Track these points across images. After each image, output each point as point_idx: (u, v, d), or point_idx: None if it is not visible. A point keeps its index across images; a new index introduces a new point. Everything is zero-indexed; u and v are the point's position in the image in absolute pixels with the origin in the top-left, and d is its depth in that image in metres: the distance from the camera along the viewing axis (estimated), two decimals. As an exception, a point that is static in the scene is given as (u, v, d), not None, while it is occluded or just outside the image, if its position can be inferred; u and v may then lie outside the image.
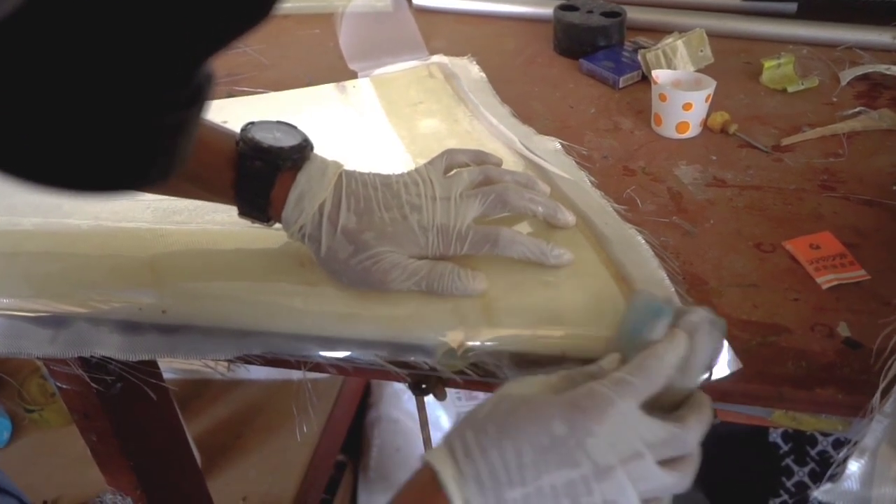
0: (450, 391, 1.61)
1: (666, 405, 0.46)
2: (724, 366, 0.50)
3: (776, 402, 0.52)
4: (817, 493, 0.48)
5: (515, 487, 0.41)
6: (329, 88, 0.86)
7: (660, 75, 0.78)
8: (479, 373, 0.53)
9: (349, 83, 0.86)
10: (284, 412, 1.51)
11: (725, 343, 0.50)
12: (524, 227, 0.60)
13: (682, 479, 0.44)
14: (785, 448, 1.42)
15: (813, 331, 0.54)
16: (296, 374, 1.59)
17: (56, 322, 0.59)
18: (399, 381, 0.59)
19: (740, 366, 0.50)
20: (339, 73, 0.92)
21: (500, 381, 0.53)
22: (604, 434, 0.42)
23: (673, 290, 0.54)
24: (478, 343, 0.52)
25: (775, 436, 1.43)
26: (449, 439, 0.43)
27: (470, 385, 0.59)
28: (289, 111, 0.83)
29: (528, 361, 0.51)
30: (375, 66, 0.91)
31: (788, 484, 1.41)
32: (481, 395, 1.55)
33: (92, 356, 0.59)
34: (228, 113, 0.83)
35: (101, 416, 0.77)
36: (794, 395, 0.51)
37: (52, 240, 0.63)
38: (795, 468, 1.40)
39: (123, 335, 0.57)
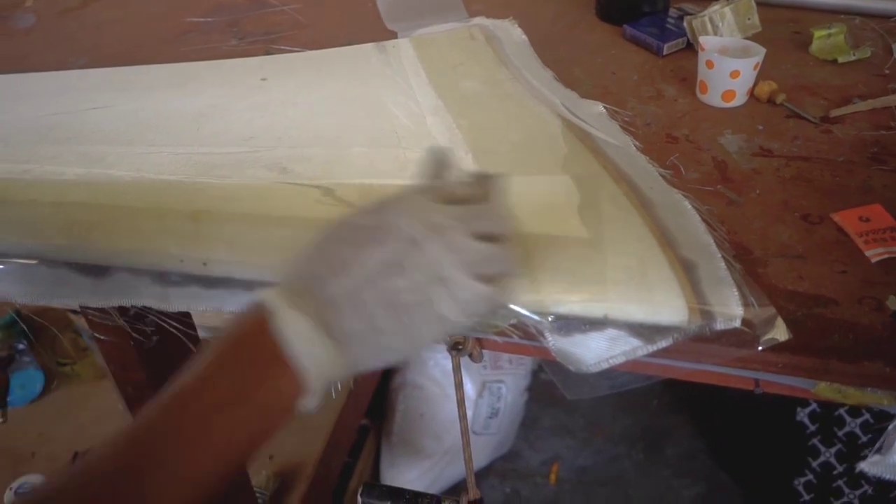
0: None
1: None
2: (773, 334, 0.49)
3: (821, 374, 0.51)
4: (864, 464, 0.47)
5: (337, 280, 0.43)
6: (368, 48, 0.85)
7: (707, 42, 0.76)
8: (518, 334, 0.52)
9: (389, 43, 0.85)
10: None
11: (774, 311, 0.49)
12: (564, 183, 0.58)
13: (501, 249, 0.45)
14: (812, 428, 1.40)
15: (861, 304, 0.53)
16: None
17: (98, 271, 0.59)
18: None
19: (789, 335, 0.49)
20: (377, 33, 0.91)
21: (540, 345, 0.53)
22: (405, 212, 0.44)
23: (720, 255, 0.53)
24: (519, 305, 0.51)
25: (802, 415, 1.42)
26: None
27: (508, 348, 0.59)
28: (327, 70, 0.82)
29: (570, 323, 0.50)
30: (414, 27, 0.90)
31: (814, 464, 1.40)
32: (506, 365, 1.54)
33: (132, 306, 0.59)
34: (267, 70, 0.83)
35: (138, 368, 0.77)
36: (840, 367, 0.50)
37: (96, 190, 0.63)
38: (822, 448, 1.39)
39: (164, 286, 0.58)
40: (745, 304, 0.49)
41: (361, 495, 0.77)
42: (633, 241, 0.53)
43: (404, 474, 1.58)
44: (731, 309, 0.49)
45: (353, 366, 0.44)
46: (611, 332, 0.50)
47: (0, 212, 0.63)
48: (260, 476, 1.25)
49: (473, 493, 0.74)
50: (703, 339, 0.50)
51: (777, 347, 0.50)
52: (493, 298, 0.45)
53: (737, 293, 0.50)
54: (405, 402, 1.61)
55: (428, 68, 0.79)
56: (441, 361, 1.59)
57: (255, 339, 0.43)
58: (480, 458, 1.66)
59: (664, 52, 0.85)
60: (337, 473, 1.49)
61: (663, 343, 0.49)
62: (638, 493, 1.68)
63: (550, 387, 1.91)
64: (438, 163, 0.51)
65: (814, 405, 1.41)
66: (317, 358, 0.43)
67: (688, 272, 0.51)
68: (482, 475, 1.68)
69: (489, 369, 1.58)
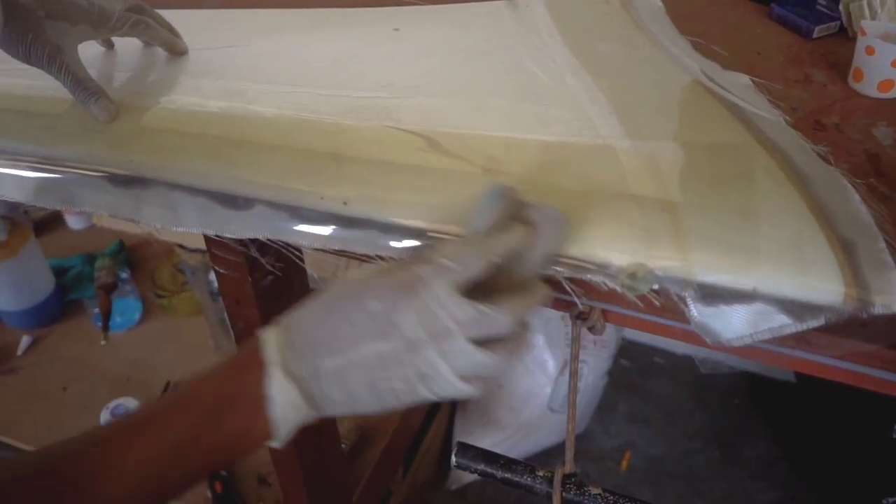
0: (558, 337, 1.60)
1: (504, 292, 0.48)
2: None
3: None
4: None
5: (330, 357, 0.46)
6: (500, 5, 0.84)
7: (869, 27, 0.72)
8: (660, 300, 0.51)
9: (521, 0, 0.84)
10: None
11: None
12: (714, 151, 0.57)
13: (496, 359, 0.46)
14: (908, 445, 1.34)
15: None
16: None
17: (237, 203, 0.60)
18: (562, 309, 0.58)
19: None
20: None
21: (677, 325, 0.52)
22: (413, 311, 0.45)
23: (882, 237, 0.50)
24: (662, 271, 0.50)
25: (900, 432, 1.36)
26: (282, 319, 0.49)
27: (633, 322, 0.57)
28: (460, 24, 0.81)
29: (715, 293, 0.49)
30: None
31: (907, 483, 1.34)
32: (590, 346, 1.51)
33: (269, 240, 0.60)
34: (399, 20, 0.83)
35: (251, 304, 0.79)
36: None
37: (238, 125, 0.64)
38: (918, 468, 1.33)
39: (303, 223, 0.58)
40: (908, 292, 0.47)
41: (456, 455, 0.78)
42: (789, 215, 0.51)
43: (477, 443, 1.58)
44: (892, 294, 0.46)
45: (322, 417, 0.50)
46: (758, 306, 0.48)
47: (145, 139, 0.65)
48: (342, 426, 1.28)
49: (570, 466, 0.74)
50: (849, 334, 0.48)
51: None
52: (472, 393, 0.47)
53: (899, 278, 0.47)
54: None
55: (562, 28, 0.77)
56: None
57: (242, 384, 0.48)
58: (553, 436, 1.66)
59: (814, 35, 0.81)
60: (413, 434, 1.51)
61: (814, 322, 0.47)
62: (710, 491, 1.65)
63: (630, 373, 1.89)
64: (499, 196, 0.50)
65: (913, 422, 1.35)
66: (292, 419, 0.48)
67: (846, 252, 0.48)
68: (553, 453, 1.68)
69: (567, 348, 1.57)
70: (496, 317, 0.46)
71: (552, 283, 0.53)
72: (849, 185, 0.55)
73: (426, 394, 0.47)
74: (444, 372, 0.46)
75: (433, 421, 1.62)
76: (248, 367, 0.48)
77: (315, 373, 0.47)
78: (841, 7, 0.80)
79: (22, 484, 0.45)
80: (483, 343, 0.46)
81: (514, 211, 0.50)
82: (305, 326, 0.48)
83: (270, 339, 0.48)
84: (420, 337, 0.45)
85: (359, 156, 0.60)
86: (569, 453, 0.74)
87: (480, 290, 0.47)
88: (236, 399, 0.48)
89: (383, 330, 0.46)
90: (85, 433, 0.47)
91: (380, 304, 0.46)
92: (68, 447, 0.47)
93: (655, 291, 0.50)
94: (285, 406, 0.47)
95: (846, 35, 0.81)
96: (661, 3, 0.84)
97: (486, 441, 1.58)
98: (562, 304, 0.56)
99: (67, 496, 0.45)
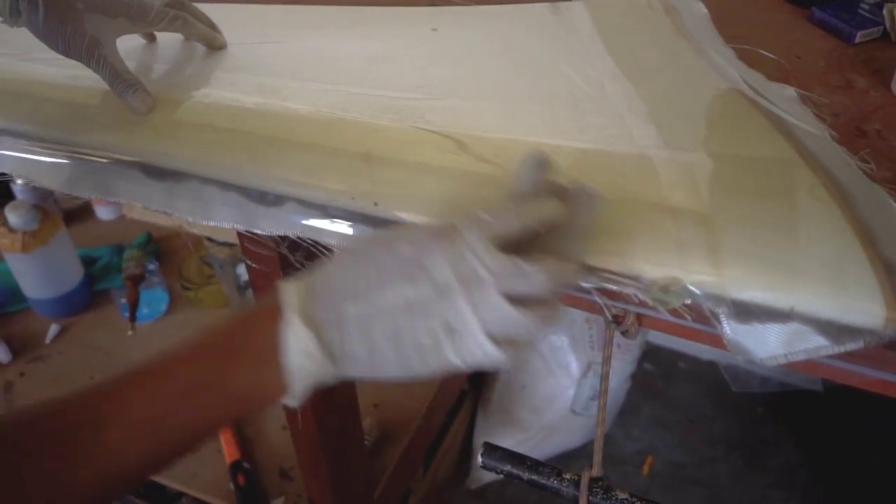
0: (582, 339, 1.59)
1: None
2: None
3: None
4: None
5: (354, 302, 0.44)
6: (542, 8, 0.83)
7: (914, 33, 0.70)
8: (692, 315, 0.50)
9: (563, 5, 0.83)
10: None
11: None
12: (754, 165, 0.55)
13: (529, 319, 0.43)
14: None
15: None
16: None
17: (268, 200, 0.61)
18: (595, 312, 0.57)
19: None
20: (547, -6, 0.88)
21: (708, 329, 0.51)
22: (445, 255, 0.43)
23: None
24: (695, 287, 0.49)
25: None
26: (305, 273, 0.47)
27: (668, 327, 0.57)
28: (499, 27, 0.81)
29: (749, 311, 0.48)
30: (586, -8, 0.87)
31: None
32: (615, 349, 1.50)
33: (299, 238, 0.60)
34: (437, 21, 0.83)
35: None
36: None
37: (272, 122, 0.64)
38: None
39: (333, 223, 0.58)
40: (952, 317, 0.46)
41: (483, 456, 0.77)
42: (830, 234, 0.49)
43: (498, 444, 1.58)
44: (935, 320, 0.45)
45: (341, 378, 0.46)
46: (794, 325, 0.47)
47: (180, 133, 0.65)
48: (365, 422, 1.28)
49: (597, 469, 0.73)
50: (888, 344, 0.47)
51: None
52: (500, 360, 0.44)
53: (943, 304, 0.46)
54: (508, 373, 1.61)
55: (604, 34, 0.76)
56: (549, 336, 1.57)
57: (257, 332, 0.46)
58: (575, 438, 1.65)
59: (856, 40, 0.79)
60: (434, 433, 1.51)
61: (852, 345, 0.46)
62: (732, 499, 1.63)
63: (653, 377, 1.87)
64: (538, 165, 0.49)
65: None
66: (308, 370, 0.45)
67: (889, 274, 0.47)
68: (574, 455, 1.67)
69: (596, 350, 1.56)
70: (532, 272, 0.43)
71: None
72: (895, 204, 0.54)
73: (451, 355, 0.43)
74: (473, 325, 0.43)
75: (454, 420, 1.62)
76: (264, 316, 0.46)
77: (336, 319, 0.44)
78: (885, 12, 0.79)
79: (23, 428, 0.43)
80: (516, 303, 0.43)
81: (550, 185, 0.48)
82: (329, 273, 0.46)
83: (290, 286, 0.46)
84: (450, 282, 0.42)
85: (391, 156, 0.59)
86: (597, 457, 0.73)
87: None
88: (248, 347, 0.45)
89: (412, 273, 0.43)
90: (96, 382, 0.45)
91: (411, 248, 0.44)
92: (73, 395, 0.45)
93: (688, 306, 0.50)
94: (301, 355, 0.44)
95: (889, 40, 0.79)
96: (705, 10, 0.83)
97: (508, 442, 1.57)
98: (596, 307, 0.55)
99: (68, 441, 0.43)
